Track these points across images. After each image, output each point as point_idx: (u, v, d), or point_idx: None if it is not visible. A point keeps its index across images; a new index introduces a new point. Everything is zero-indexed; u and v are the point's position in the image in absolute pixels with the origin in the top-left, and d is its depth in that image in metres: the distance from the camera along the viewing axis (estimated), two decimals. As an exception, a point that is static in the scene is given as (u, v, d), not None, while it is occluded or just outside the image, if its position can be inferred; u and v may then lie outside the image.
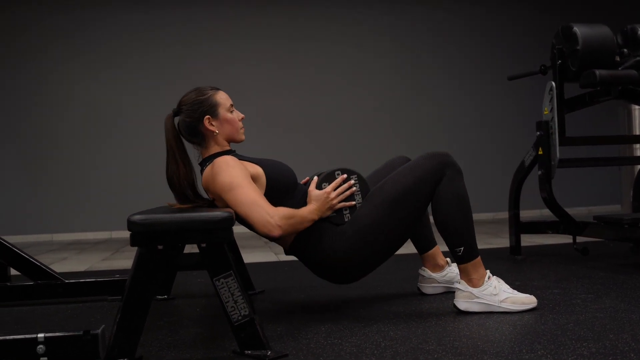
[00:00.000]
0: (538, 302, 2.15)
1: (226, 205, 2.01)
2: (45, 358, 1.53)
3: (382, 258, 2.16)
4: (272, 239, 2.01)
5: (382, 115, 6.67)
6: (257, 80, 6.44)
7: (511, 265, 3.13)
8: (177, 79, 6.29)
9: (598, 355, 1.54)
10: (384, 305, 2.28)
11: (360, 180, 2.16)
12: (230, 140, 2.19)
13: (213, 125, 2.12)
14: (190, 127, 2.13)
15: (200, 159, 2.17)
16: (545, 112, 3.12)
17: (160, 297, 2.60)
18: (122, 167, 6.19)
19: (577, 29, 2.95)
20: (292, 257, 3.87)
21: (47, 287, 2.53)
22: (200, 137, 2.14)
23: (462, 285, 2.10)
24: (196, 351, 1.76)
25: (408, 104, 6.74)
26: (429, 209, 2.20)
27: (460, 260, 2.10)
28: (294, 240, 2.12)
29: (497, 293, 2.08)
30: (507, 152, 6.49)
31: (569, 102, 3.10)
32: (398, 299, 2.39)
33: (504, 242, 4.16)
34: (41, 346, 1.53)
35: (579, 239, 3.43)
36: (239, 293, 1.66)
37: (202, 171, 2.12)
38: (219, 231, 1.65)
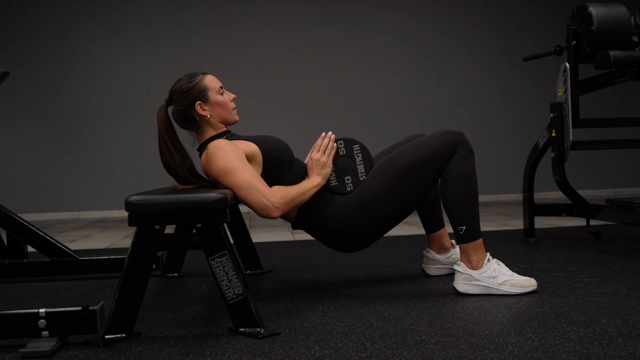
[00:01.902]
0: (539, 285, 2.15)
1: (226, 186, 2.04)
2: (47, 332, 1.61)
3: (386, 227, 2.18)
4: (273, 218, 2.05)
5: (402, 95, 6.64)
6: (282, 62, 6.47)
7: (523, 248, 3.12)
8: (204, 60, 6.35)
9: (585, 339, 1.55)
10: (387, 286, 2.31)
11: (363, 149, 2.18)
12: (224, 122, 2.20)
13: (205, 110, 2.14)
14: (183, 114, 2.16)
15: (197, 145, 2.21)
16: (559, 94, 3.08)
17: (171, 274, 2.67)
18: (148, 146, 6.29)
19: (592, 9, 2.89)
20: (306, 237, 3.94)
21: (62, 264, 2.62)
22: (195, 123, 2.17)
23: (462, 267, 2.11)
24: (194, 328, 1.81)
25: (428, 85, 6.70)
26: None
27: (461, 239, 2.11)
28: (297, 214, 2.16)
29: (496, 276, 2.08)
30: (532, 132, 6.41)
31: (584, 83, 3.05)
32: (402, 280, 2.41)
33: (521, 224, 4.13)
34: (42, 320, 1.60)
35: (595, 223, 3.40)
36: (234, 272, 1.70)
37: (200, 156, 2.16)
38: (213, 212, 1.69)
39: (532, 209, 3.37)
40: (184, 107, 2.15)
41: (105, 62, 6.34)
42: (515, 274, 2.12)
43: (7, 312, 1.61)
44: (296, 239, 3.94)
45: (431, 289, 2.23)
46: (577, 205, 3.15)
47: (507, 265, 2.58)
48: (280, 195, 2.00)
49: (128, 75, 6.32)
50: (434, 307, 1.95)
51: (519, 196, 6.53)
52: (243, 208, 6.06)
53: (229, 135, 2.19)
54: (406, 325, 1.74)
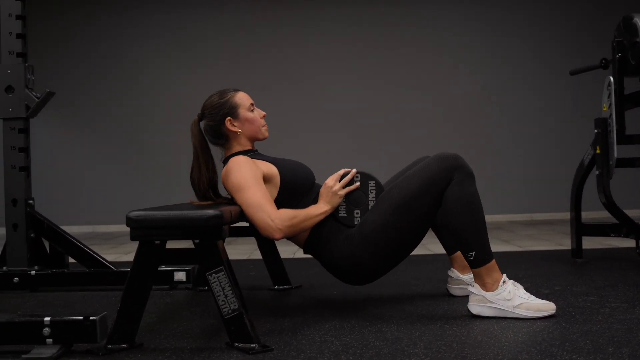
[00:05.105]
0: (563, 309, 2.07)
1: None
2: (51, 340, 1.69)
3: (392, 262, 2.16)
4: (276, 240, 2.09)
5: (440, 112, 6.56)
6: (343, 80, 6.53)
7: (566, 269, 2.99)
8: (262, 77, 6.49)
9: (580, 368, 1.48)
10: (405, 305, 2.27)
11: (378, 187, 2.16)
12: (253, 139, 2.27)
13: (235, 126, 2.21)
14: (213, 129, 2.23)
15: (223, 158, 2.28)
16: (604, 109, 2.94)
17: (201, 288, 2.74)
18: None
19: (638, 20, 2.76)
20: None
21: (99, 274, 2.76)
22: (224, 138, 2.24)
23: (476, 289, 2.05)
24: (195, 341, 1.86)
25: (468, 102, 6.58)
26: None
27: (472, 264, 2.05)
28: (307, 240, 2.17)
29: (511, 298, 2.01)
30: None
31: (630, 97, 2.91)
32: (423, 300, 2.37)
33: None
34: (47, 328, 1.69)
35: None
36: (230, 288, 1.74)
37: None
38: (208, 228, 1.73)
39: (579, 229, 3.23)
40: (214, 122, 2.22)
41: (168, 75, 6.62)
42: (532, 297, 2.03)
43: (16, 319, 1.71)
44: (340, 254, 3.94)
45: (447, 310, 2.18)
46: (625, 225, 2.99)
47: (541, 286, 2.51)
48: (285, 218, 2.03)
49: (189, 89, 6.53)
50: (440, 329, 1.90)
51: (586, 214, 6.24)
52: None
53: (253, 153, 2.24)
54: (401, 347, 1.71)
